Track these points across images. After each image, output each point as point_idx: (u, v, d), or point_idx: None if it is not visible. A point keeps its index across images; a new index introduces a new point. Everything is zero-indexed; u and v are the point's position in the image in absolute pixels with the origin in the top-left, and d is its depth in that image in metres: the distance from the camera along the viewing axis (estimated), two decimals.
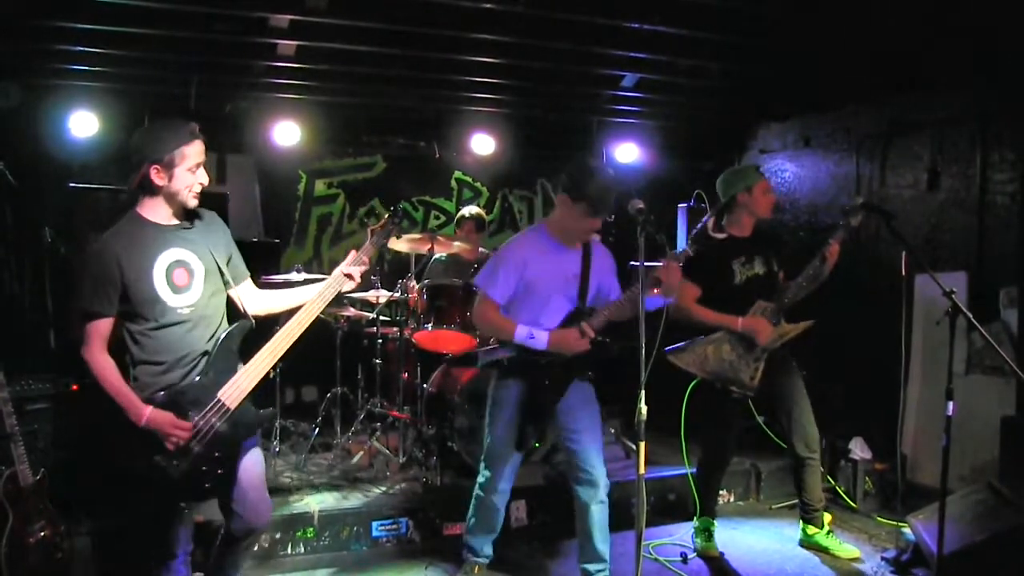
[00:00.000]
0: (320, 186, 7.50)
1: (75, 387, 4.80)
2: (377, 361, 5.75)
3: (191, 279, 3.07)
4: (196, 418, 2.99)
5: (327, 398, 5.89)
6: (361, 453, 5.51)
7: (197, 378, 3.04)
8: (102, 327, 2.95)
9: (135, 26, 4.87)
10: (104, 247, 2.96)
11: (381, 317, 5.77)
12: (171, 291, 3.02)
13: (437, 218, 7.92)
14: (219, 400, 3.03)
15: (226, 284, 3.19)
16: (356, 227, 7.60)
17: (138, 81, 6.09)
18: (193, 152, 2.99)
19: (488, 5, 4.71)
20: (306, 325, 3.18)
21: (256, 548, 4.46)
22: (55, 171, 6.18)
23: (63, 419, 4.73)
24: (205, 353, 3.09)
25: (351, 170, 7.61)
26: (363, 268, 3.38)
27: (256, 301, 3.37)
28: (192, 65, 5.73)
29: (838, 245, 4.35)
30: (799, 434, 4.57)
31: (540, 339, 3.62)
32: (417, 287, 5.51)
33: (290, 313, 3.26)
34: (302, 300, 3.28)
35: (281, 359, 3.19)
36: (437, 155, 7.57)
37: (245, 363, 3.14)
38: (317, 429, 5.80)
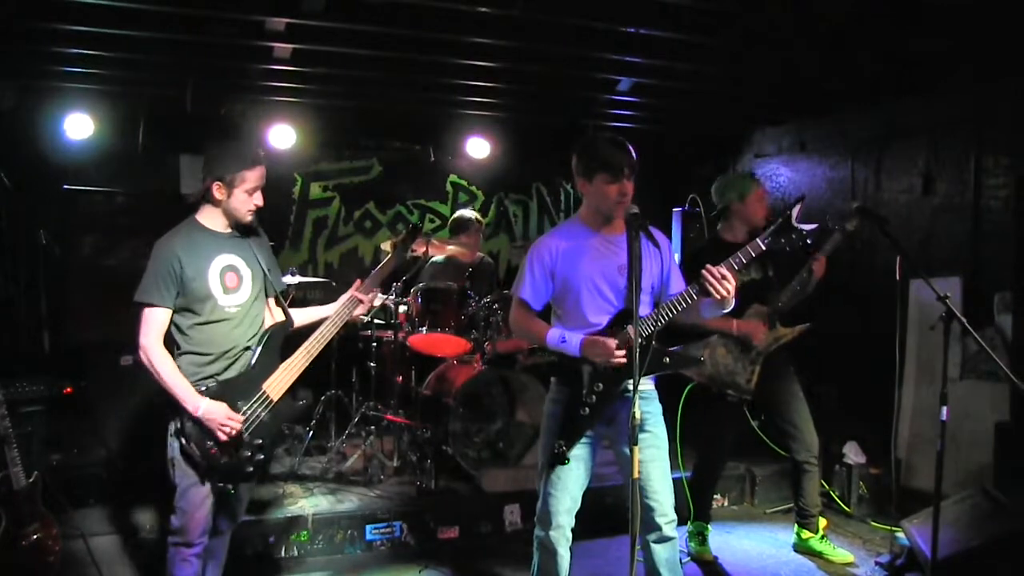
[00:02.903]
0: (316, 189, 7.50)
1: (68, 390, 4.79)
2: (372, 364, 5.74)
3: (240, 282, 3.38)
4: (244, 408, 3.27)
5: (322, 401, 5.89)
6: (356, 456, 5.51)
7: (252, 366, 3.34)
8: (160, 316, 3.21)
9: (131, 28, 4.85)
10: (166, 245, 3.25)
11: (376, 320, 5.76)
12: (223, 291, 3.31)
13: (432, 221, 7.91)
14: (264, 391, 3.33)
15: (266, 291, 3.51)
16: (352, 230, 7.60)
17: (133, 84, 6.08)
18: (253, 177, 3.30)
19: (484, 8, 4.70)
20: (342, 324, 3.60)
21: (250, 551, 4.47)
22: (50, 173, 6.17)
23: (59, 421, 4.73)
24: (246, 348, 3.38)
25: (347, 173, 7.61)
26: (373, 297, 3.71)
27: (272, 316, 3.61)
28: (188, 68, 5.71)
29: (825, 258, 4.37)
30: (798, 440, 4.59)
31: (572, 344, 3.19)
32: (412, 291, 5.52)
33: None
34: (310, 319, 3.62)
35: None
36: (432, 159, 7.58)
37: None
38: (312, 432, 5.80)
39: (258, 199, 3.36)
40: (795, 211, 3.08)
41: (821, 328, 4.52)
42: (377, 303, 5.61)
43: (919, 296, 5.42)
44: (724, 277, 3.05)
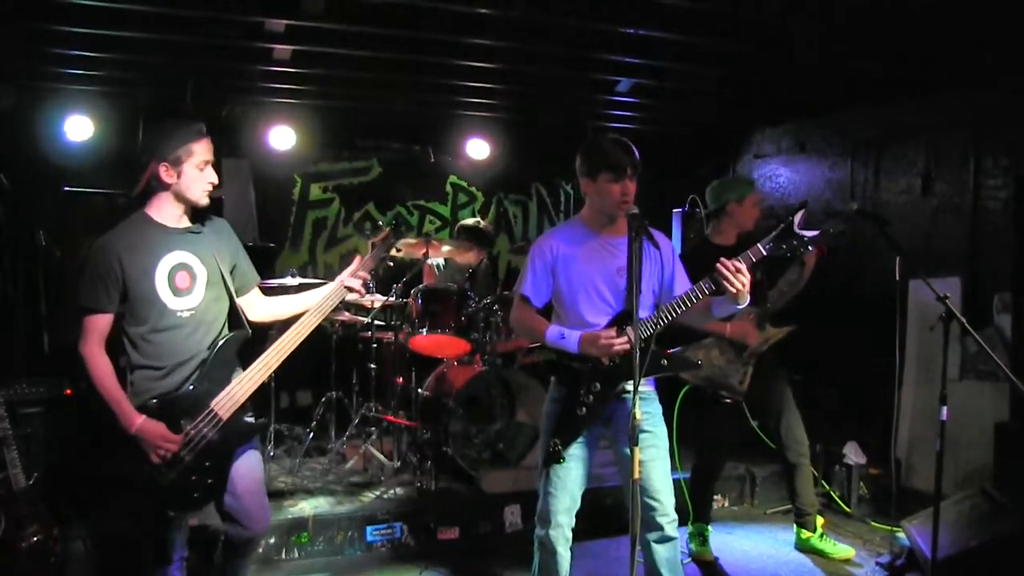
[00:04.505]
0: (315, 190, 7.50)
1: (68, 391, 4.79)
2: (372, 365, 5.73)
3: (193, 283, 3.05)
4: (188, 427, 2.96)
5: (322, 402, 5.89)
6: (356, 458, 5.50)
7: (191, 387, 3.01)
8: (100, 323, 2.94)
9: (131, 30, 4.86)
10: (106, 244, 2.95)
11: (376, 321, 5.76)
12: (172, 293, 3.00)
13: (432, 222, 7.92)
14: (212, 410, 3.00)
15: (228, 291, 3.15)
16: (351, 231, 7.60)
17: (133, 85, 6.09)
18: (200, 149, 3.01)
19: (484, 10, 4.71)
20: (303, 337, 3.15)
21: None
22: (50, 175, 6.17)
23: (57, 423, 4.72)
24: (204, 360, 3.05)
25: (346, 174, 7.61)
26: (364, 279, 3.34)
27: (261, 307, 3.38)
28: (188, 69, 5.72)
29: (816, 255, 4.36)
30: (788, 439, 4.62)
31: (571, 340, 3.19)
32: (412, 292, 5.52)
33: (288, 323, 3.22)
34: (305, 307, 3.25)
35: (276, 369, 3.16)
36: (432, 159, 7.58)
37: (243, 369, 3.12)
38: (312, 433, 5.80)
39: (211, 176, 3.05)
40: (797, 217, 3.08)
41: (821, 329, 4.53)
42: (377, 305, 5.61)
43: (918, 296, 5.41)
44: (739, 270, 3.00)
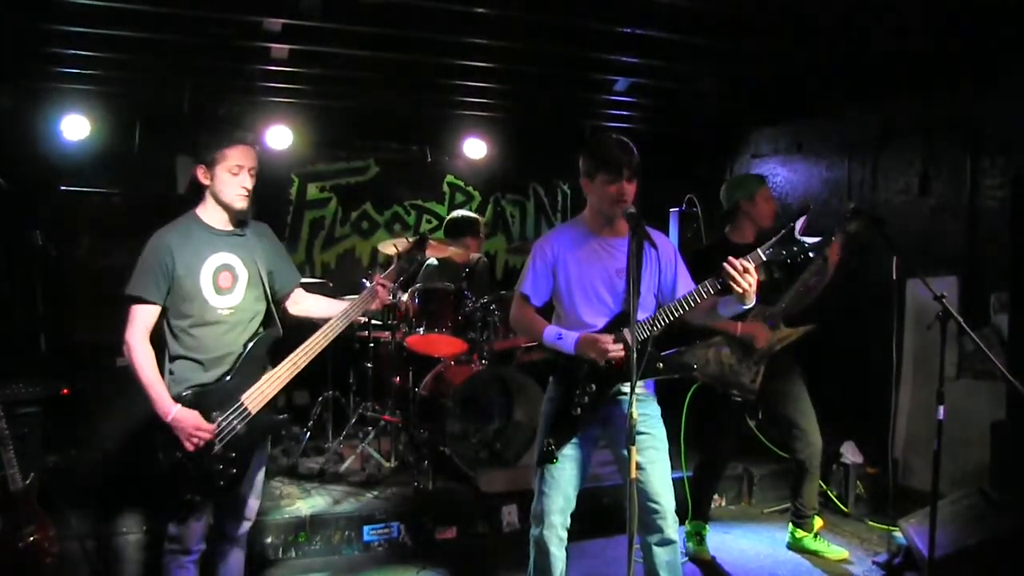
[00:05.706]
0: (312, 190, 7.50)
1: (65, 391, 4.78)
2: (369, 365, 5.74)
3: (235, 283, 3.25)
4: (219, 419, 3.13)
5: (319, 402, 5.89)
6: (353, 457, 5.50)
7: (225, 380, 3.18)
8: (147, 313, 3.11)
9: (128, 29, 4.86)
10: (160, 239, 3.15)
11: (373, 321, 5.76)
12: (215, 291, 3.19)
13: (429, 222, 7.92)
14: (242, 403, 3.18)
15: (266, 293, 3.34)
16: (348, 231, 7.60)
17: (130, 84, 6.08)
18: (234, 154, 3.16)
19: (482, 9, 4.71)
20: (330, 339, 3.33)
21: (247, 552, 4.46)
22: (47, 174, 6.17)
23: (55, 423, 4.72)
24: (239, 356, 3.24)
25: (343, 174, 7.61)
26: (388, 286, 3.52)
27: (303, 303, 3.60)
28: (185, 68, 5.72)
29: (840, 244, 4.35)
30: (801, 440, 4.59)
31: (567, 342, 3.19)
32: (409, 291, 5.51)
33: (315, 326, 3.38)
34: (333, 312, 3.43)
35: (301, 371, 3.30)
36: (429, 159, 7.59)
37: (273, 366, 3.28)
38: (309, 433, 5.80)
39: (245, 180, 3.19)
40: (799, 223, 3.09)
41: (818, 328, 4.53)
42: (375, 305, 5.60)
43: (916, 296, 5.42)
44: (747, 270, 2.97)
